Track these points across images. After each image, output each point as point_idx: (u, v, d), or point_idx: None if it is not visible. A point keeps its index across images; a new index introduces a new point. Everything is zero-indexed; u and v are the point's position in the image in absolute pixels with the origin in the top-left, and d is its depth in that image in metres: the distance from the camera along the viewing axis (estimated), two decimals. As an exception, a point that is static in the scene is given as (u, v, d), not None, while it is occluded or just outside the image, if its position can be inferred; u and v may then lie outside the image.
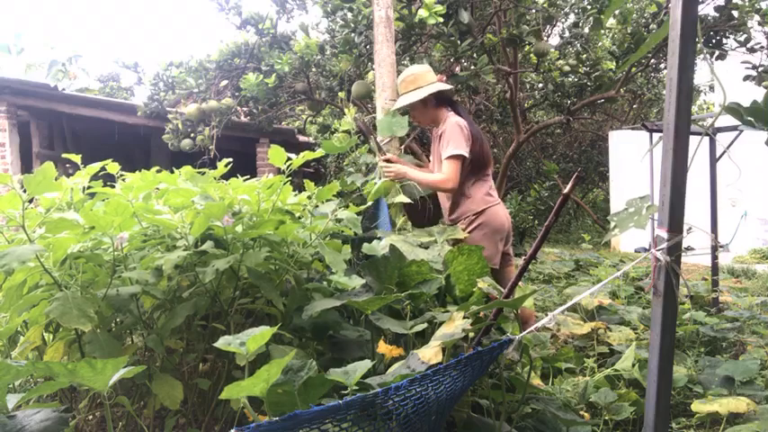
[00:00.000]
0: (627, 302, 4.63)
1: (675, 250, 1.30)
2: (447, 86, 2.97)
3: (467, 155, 2.82)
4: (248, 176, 2.53)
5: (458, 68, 5.28)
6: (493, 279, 2.06)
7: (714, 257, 4.58)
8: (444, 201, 3.07)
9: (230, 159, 2.47)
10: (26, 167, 8.01)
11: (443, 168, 2.83)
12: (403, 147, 3.66)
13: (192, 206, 2.05)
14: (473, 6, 5.20)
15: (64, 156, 2.42)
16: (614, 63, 6.07)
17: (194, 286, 2.08)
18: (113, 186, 2.18)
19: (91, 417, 2.16)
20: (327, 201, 2.38)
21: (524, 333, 1.62)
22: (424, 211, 3.12)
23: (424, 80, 2.95)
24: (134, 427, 2.12)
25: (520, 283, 1.93)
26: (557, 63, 6.30)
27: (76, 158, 2.27)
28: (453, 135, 2.82)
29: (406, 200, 2.89)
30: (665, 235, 1.29)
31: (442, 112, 2.99)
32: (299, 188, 2.62)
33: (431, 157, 3.19)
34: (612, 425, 2.44)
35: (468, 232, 2.87)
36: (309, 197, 2.40)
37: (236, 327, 2.11)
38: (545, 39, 6.56)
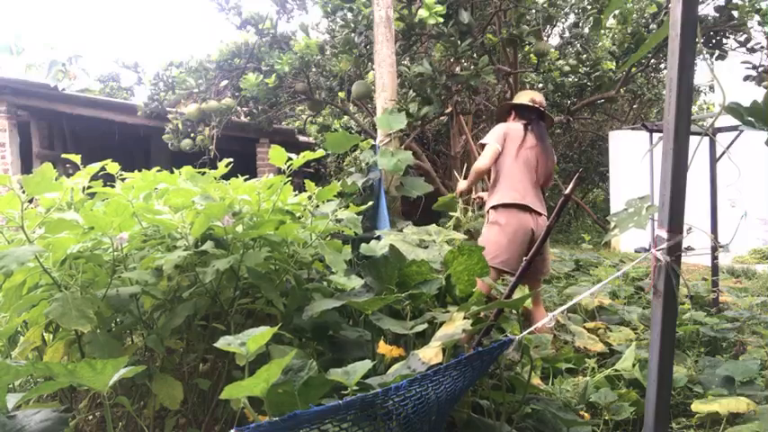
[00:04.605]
0: (627, 302, 4.62)
1: (675, 250, 1.30)
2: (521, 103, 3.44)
3: (493, 144, 3.26)
4: (248, 177, 2.53)
5: (458, 68, 5.28)
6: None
7: (714, 258, 4.57)
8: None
9: (230, 159, 2.47)
10: (26, 167, 7.99)
11: None
12: (403, 146, 3.68)
13: (193, 206, 2.04)
14: (473, 6, 5.20)
15: (64, 156, 2.41)
16: (614, 63, 6.07)
17: (194, 286, 2.08)
18: (113, 186, 2.17)
19: (91, 417, 2.16)
20: (328, 201, 2.38)
21: (524, 333, 1.62)
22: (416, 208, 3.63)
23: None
24: (134, 427, 2.12)
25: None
26: (557, 63, 6.31)
27: (76, 158, 2.26)
28: (491, 132, 3.40)
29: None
30: (665, 235, 1.29)
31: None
32: (300, 188, 2.62)
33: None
34: (612, 425, 2.44)
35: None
36: (310, 197, 2.39)
37: (237, 327, 2.11)
38: (545, 39, 6.56)
